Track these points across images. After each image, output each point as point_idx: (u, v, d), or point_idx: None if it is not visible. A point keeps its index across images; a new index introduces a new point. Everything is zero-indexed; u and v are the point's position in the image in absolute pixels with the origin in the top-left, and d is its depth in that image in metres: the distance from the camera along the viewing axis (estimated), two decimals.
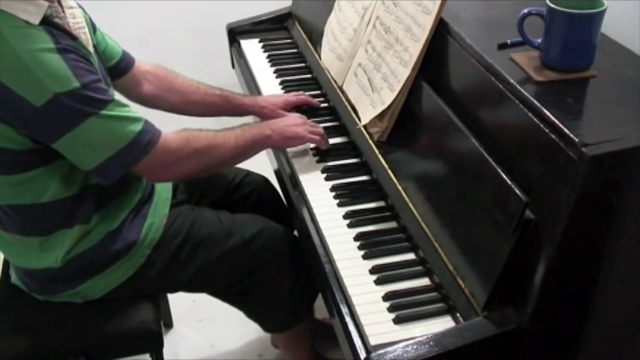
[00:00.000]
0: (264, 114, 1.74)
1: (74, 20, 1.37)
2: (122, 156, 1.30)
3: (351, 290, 1.27)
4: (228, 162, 1.50)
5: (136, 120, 1.31)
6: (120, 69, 1.61)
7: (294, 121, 1.59)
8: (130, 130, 1.30)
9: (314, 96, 1.84)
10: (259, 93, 1.90)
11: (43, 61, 1.21)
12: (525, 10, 1.19)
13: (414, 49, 1.42)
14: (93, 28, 1.51)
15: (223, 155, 1.45)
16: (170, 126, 1.41)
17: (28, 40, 1.21)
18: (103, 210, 1.43)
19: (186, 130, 1.44)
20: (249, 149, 1.49)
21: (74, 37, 1.31)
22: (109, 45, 1.57)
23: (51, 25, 1.26)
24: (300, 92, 1.81)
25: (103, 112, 1.26)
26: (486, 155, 1.16)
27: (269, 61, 2.03)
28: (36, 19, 1.23)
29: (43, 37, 1.22)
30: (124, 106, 1.31)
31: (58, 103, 1.22)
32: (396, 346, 1.10)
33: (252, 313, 1.68)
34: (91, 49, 1.38)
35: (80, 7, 1.46)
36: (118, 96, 1.36)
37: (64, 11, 1.35)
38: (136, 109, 1.70)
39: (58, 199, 1.37)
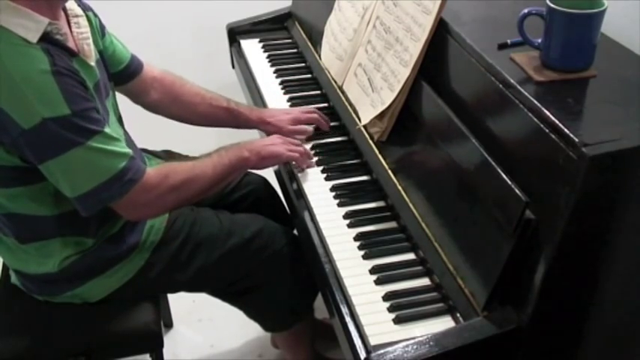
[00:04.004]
0: (268, 130, 1.68)
1: (78, 30, 1.35)
2: (100, 191, 1.26)
3: (351, 290, 1.27)
4: (207, 191, 1.44)
5: (121, 155, 1.28)
6: (128, 73, 1.59)
7: (272, 141, 1.54)
8: (112, 166, 1.26)
9: (314, 96, 1.85)
10: (259, 93, 1.90)
11: (35, 83, 1.18)
12: (525, 10, 1.19)
13: (414, 49, 1.42)
14: (102, 32, 1.49)
15: (201, 186, 1.41)
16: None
17: (23, 59, 1.18)
18: (104, 224, 1.43)
19: (166, 165, 1.41)
20: (228, 174, 1.46)
21: (74, 54, 1.29)
22: (118, 49, 1.55)
23: (50, 42, 1.22)
24: (311, 109, 1.73)
25: (89, 143, 1.23)
26: (486, 155, 1.16)
27: (269, 61, 2.03)
28: (34, 37, 1.20)
29: (39, 57, 1.19)
30: (113, 139, 1.27)
31: (45, 128, 1.19)
32: (396, 346, 1.10)
33: (252, 313, 1.68)
34: (93, 63, 1.35)
35: (90, 9, 1.45)
36: (108, 127, 1.30)
37: (69, 21, 1.33)
38: (140, 115, 1.71)
39: (53, 215, 1.36)
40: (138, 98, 1.66)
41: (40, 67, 1.19)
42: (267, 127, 1.69)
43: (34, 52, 1.19)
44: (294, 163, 1.58)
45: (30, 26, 1.20)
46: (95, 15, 1.47)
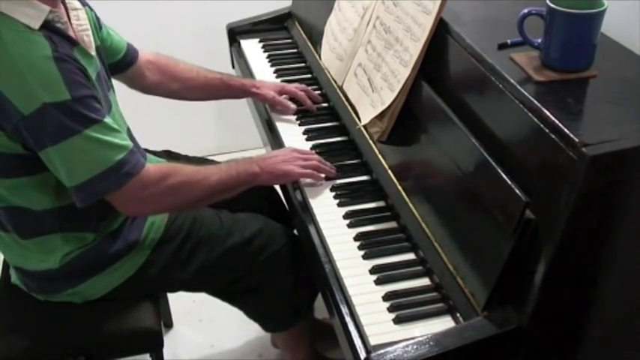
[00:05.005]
0: (256, 95, 1.79)
1: (78, 22, 1.36)
2: (95, 183, 1.26)
3: (351, 290, 1.27)
4: (208, 199, 1.43)
5: (119, 147, 1.27)
6: (126, 62, 1.62)
7: (285, 157, 1.50)
8: (109, 158, 1.25)
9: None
10: None
11: (37, 69, 1.18)
12: (525, 10, 1.19)
13: (414, 49, 1.42)
14: (98, 25, 1.50)
15: (201, 193, 1.40)
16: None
17: (25, 45, 1.19)
18: (104, 219, 1.43)
19: (169, 165, 1.40)
20: (233, 187, 1.44)
21: (75, 43, 1.30)
22: (115, 40, 1.58)
23: (52, 30, 1.24)
24: (302, 86, 1.82)
25: (87, 131, 1.23)
26: (486, 155, 1.16)
27: (269, 61, 2.03)
28: (36, 24, 1.21)
29: (41, 44, 1.20)
30: (113, 130, 1.27)
31: (45, 113, 1.19)
32: (396, 346, 1.10)
33: (252, 313, 1.68)
34: (93, 53, 1.37)
35: (86, 4, 1.46)
36: (109, 118, 1.30)
37: (68, 14, 1.34)
38: (140, 115, 1.72)
39: (54, 208, 1.36)
40: (135, 83, 1.70)
41: (42, 53, 1.20)
42: (256, 92, 1.79)
43: (37, 38, 1.20)
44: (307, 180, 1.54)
45: (32, 14, 1.21)
46: (91, 9, 1.48)
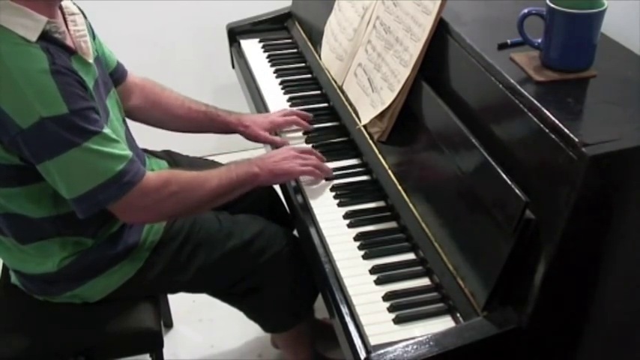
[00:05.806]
0: (247, 134, 1.72)
1: (75, 28, 1.34)
2: (96, 194, 1.25)
3: (351, 290, 1.27)
4: (209, 203, 1.43)
5: (119, 158, 1.26)
6: (114, 79, 1.57)
7: (284, 156, 1.51)
8: (109, 169, 1.25)
9: (314, 96, 1.85)
10: (259, 93, 1.90)
11: (34, 82, 1.18)
12: (525, 10, 1.19)
13: (414, 49, 1.42)
14: (92, 35, 1.49)
15: (202, 196, 1.39)
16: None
17: (23, 58, 1.18)
18: (103, 225, 1.42)
19: (169, 171, 1.38)
20: (234, 189, 1.44)
21: (73, 51, 1.29)
22: (106, 54, 1.54)
23: (49, 41, 1.23)
24: (289, 111, 1.76)
25: (87, 144, 1.22)
26: (486, 155, 1.16)
27: (269, 61, 2.03)
28: (33, 36, 1.20)
29: (38, 57, 1.19)
30: (112, 140, 1.26)
31: (43, 127, 1.18)
32: (396, 346, 1.10)
33: (252, 314, 1.68)
34: (91, 60, 1.35)
35: (81, 11, 1.45)
36: (107, 128, 1.29)
37: (65, 20, 1.33)
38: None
39: (51, 216, 1.35)
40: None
41: (39, 66, 1.19)
42: (246, 131, 1.71)
43: (34, 51, 1.19)
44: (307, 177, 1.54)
45: (29, 25, 1.20)
46: (85, 17, 1.47)
